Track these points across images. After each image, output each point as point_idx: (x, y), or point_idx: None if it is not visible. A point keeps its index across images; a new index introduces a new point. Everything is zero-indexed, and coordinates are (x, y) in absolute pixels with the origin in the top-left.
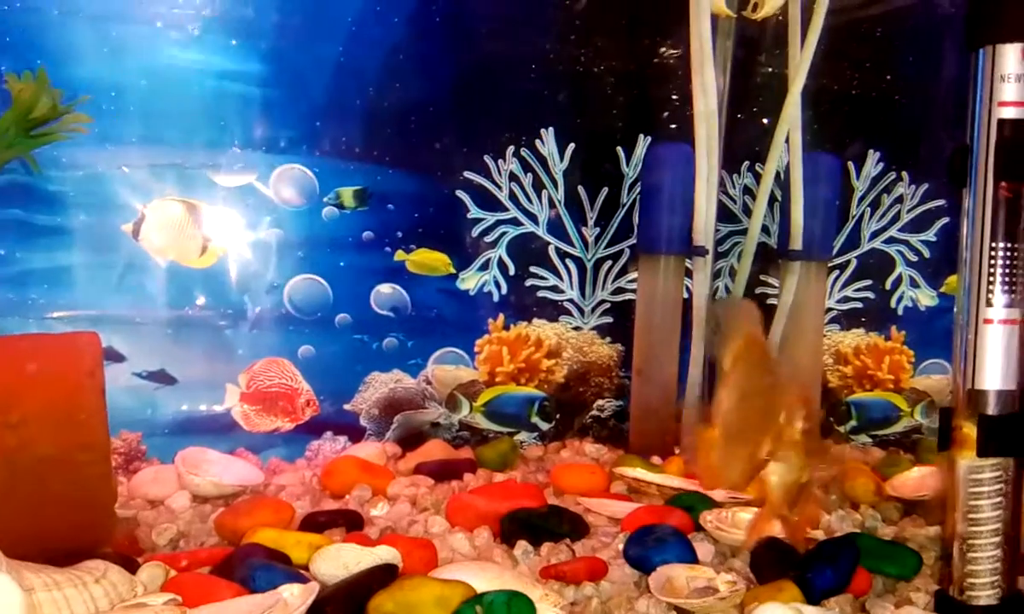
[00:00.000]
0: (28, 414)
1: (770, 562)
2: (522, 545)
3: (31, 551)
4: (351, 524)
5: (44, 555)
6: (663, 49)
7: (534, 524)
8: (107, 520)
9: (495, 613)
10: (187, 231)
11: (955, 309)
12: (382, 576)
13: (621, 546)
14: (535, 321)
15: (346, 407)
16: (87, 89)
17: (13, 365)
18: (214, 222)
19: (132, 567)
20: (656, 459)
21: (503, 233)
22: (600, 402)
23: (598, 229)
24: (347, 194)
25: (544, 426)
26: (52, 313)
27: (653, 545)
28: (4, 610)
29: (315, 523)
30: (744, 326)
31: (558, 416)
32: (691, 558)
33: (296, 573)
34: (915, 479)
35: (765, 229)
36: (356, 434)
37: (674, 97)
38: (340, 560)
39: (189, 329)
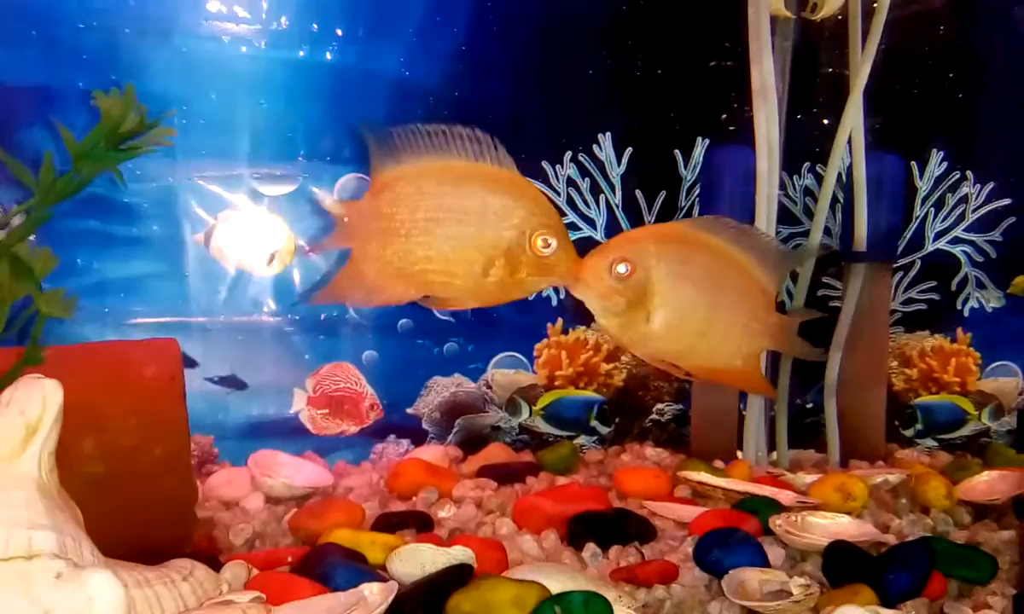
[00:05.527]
0: (113, 418)
1: (842, 566)
2: (590, 548)
3: (117, 550)
4: (421, 525)
5: (129, 554)
6: (720, 51)
7: (601, 527)
8: (188, 520)
9: (573, 613)
10: (255, 240)
11: None
12: (458, 576)
13: (690, 549)
14: (594, 325)
15: (408, 411)
16: (157, 103)
17: (98, 371)
18: (281, 231)
19: (215, 566)
20: (719, 463)
21: None
22: (660, 406)
23: None
24: None
25: (603, 430)
26: (128, 320)
27: (724, 548)
28: (107, 606)
29: (387, 524)
30: None
31: (617, 420)
32: (762, 562)
33: (374, 572)
34: (985, 483)
35: (827, 230)
36: (418, 437)
37: (732, 99)
38: (417, 560)
39: (258, 335)
